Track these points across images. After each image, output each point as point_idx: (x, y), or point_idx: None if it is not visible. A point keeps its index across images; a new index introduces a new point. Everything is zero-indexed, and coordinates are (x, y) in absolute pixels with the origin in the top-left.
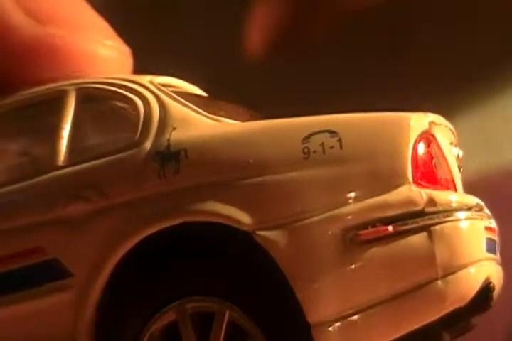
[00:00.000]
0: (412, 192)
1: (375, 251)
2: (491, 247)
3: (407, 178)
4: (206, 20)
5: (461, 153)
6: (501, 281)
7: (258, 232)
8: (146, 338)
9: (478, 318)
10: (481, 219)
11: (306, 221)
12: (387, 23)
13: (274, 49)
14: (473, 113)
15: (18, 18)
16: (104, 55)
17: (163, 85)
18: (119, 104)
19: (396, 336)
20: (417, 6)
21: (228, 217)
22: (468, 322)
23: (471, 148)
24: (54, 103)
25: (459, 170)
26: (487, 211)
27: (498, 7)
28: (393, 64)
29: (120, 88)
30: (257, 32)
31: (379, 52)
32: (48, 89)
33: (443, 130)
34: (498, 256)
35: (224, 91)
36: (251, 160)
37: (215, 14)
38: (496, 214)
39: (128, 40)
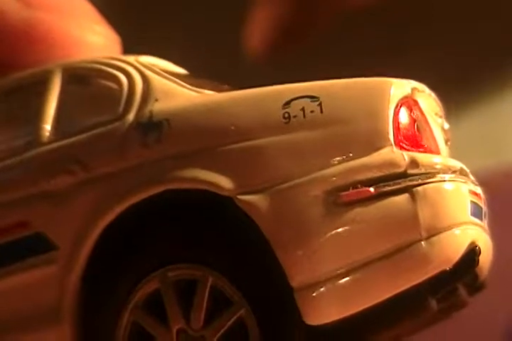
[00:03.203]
0: (394, 154)
1: (358, 212)
2: (476, 212)
3: (389, 140)
4: (207, 19)
5: (447, 125)
6: (490, 251)
7: (239, 197)
8: (130, 308)
9: (477, 318)
10: (466, 182)
11: (288, 184)
12: (387, 21)
13: (275, 48)
14: (473, 113)
15: (9, 2)
16: (92, 40)
17: (148, 63)
18: (103, 81)
19: (381, 299)
20: (417, 6)
21: (209, 183)
22: (457, 292)
23: (470, 147)
24: (41, 83)
25: (446, 142)
26: (472, 177)
27: (498, 6)
28: (393, 63)
29: (105, 66)
30: (258, 31)
31: (379, 52)
32: (35, 70)
33: (427, 98)
34: (485, 224)
35: None
36: (232, 127)
37: (215, 14)
38: (496, 214)
39: (126, 40)
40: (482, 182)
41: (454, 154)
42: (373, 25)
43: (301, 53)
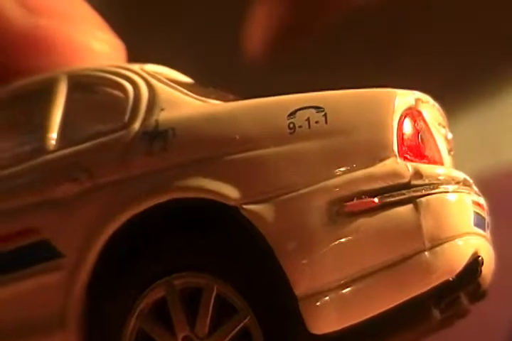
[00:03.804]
0: (398, 165)
1: (362, 222)
2: (479, 222)
3: (393, 151)
4: (206, 19)
5: (450, 135)
6: (492, 260)
7: (245, 206)
8: (135, 315)
9: (479, 324)
10: (469, 193)
11: (292, 194)
12: (387, 21)
13: (275, 48)
14: (472, 113)
15: (12, 8)
16: (96, 47)
17: (154, 72)
18: (109, 89)
19: (384, 308)
20: (416, 6)
21: (215, 192)
22: (459, 301)
23: (470, 148)
24: (47, 91)
25: (449, 152)
26: (475, 188)
27: (497, 7)
28: (392, 63)
29: (110, 74)
30: (258, 31)
31: (378, 51)
32: (40, 78)
33: (430, 109)
34: (488, 234)
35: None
36: (237, 137)
37: (215, 13)
38: (495, 213)
39: (126, 40)
40: (481, 182)
41: (454, 156)
42: (373, 25)
43: (301, 53)
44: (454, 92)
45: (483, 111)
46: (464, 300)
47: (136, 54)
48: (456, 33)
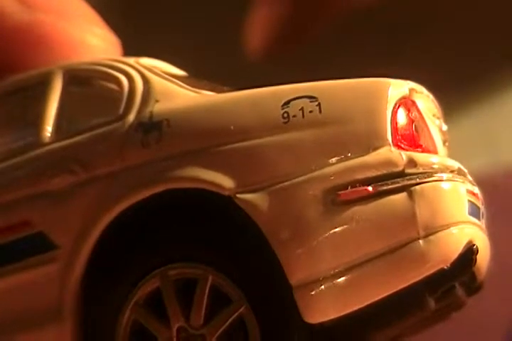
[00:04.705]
0: (392, 154)
1: (356, 211)
2: (473, 211)
3: (387, 140)
4: (206, 19)
5: (444, 126)
6: (488, 250)
7: (239, 195)
8: (130, 306)
9: (477, 320)
10: (464, 182)
11: (287, 183)
12: (388, 21)
13: (275, 47)
14: (473, 113)
15: (10, 4)
16: (92, 42)
17: (149, 65)
18: (104, 82)
19: (379, 297)
20: (418, 6)
21: (209, 182)
22: (455, 291)
23: (470, 147)
24: (43, 85)
25: (444, 143)
26: (470, 177)
27: (498, 6)
28: (393, 62)
29: (106, 67)
30: (258, 30)
31: (379, 51)
32: (36, 72)
33: (425, 99)
34: (482, 224)
35: None
36: (231, 127)
37: (215, 13)
38: (496, 213)
39: (125, 39)
40: (480, 182)
41: (452, 154)
42: (373, 25)
43: (301, 53)
44: (454, 91)
45: (482, 111)
46: (460, 290)
47: (135, 52)
48: (455, 32)
